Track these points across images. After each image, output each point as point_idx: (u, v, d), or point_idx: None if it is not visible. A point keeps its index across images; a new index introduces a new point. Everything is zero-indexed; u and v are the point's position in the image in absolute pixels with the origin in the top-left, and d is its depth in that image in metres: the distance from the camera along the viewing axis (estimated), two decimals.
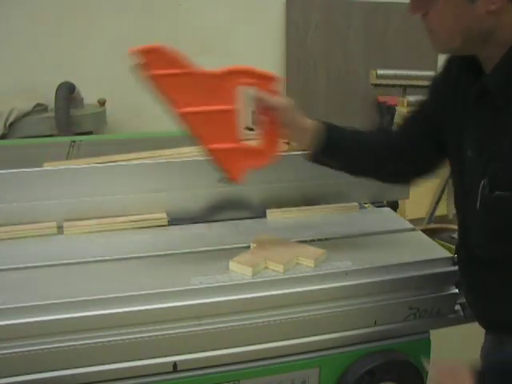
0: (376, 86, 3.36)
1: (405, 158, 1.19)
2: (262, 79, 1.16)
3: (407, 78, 3.33)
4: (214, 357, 1.10)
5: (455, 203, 1.12)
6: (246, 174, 1.15)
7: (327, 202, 1.54)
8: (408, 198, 1.60)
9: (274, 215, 1.46)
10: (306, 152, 1.18)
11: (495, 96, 0.92)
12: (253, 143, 1.18)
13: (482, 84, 0.94)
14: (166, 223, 1.40)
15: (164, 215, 1.40)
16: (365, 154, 1.21)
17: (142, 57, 1.11)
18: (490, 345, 1.12)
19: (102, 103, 3.35)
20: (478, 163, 0.97)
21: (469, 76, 0.99)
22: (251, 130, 1.39)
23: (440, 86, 1.12)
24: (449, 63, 1.10)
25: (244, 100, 1.15)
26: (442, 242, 1.42)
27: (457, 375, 0.92)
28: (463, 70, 1.01)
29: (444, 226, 1.80)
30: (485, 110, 0.95)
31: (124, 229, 1.37)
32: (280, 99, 1.14)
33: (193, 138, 1.12)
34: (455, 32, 0.91)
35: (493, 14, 0.87)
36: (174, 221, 1.41)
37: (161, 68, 1.11)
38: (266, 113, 1.15)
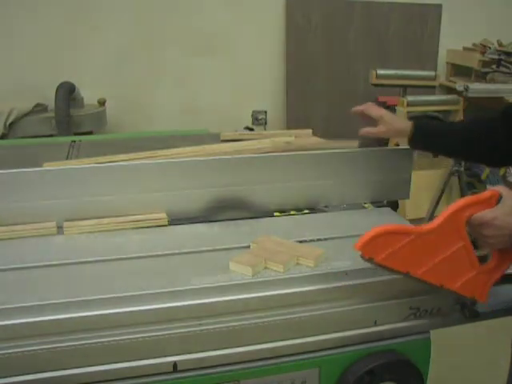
0: (376, 85, 3.37)
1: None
2: (484, 203, 1.11)
3: (407, 77, 3.34)
4: (213, 357, 1.10)
5: None
6: (487, 291, 1.16)
7: (327, 202, 1.54)
8: (408, 198, 1.60)
9: None
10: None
11: None
12: (487, 264, 1.16)
13: None
14: (166, 223, 1.40)
15: (164, 215, 1.40)
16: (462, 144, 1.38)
17: (366, 250, 1.07)
18: None
19: (102, 103, 3.36)
20: None
21: None
22: (251, 129, 1.40)
23: None
24: None
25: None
26: None
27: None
28: None
29: None
30: None
31: (124, 229, 1.37)
32: (376, 128, 1.43)
33: (435, 285, 1.12)
34: None
35: None
36: (174, 221, 1.41)
37: (386, 249, 1.07)
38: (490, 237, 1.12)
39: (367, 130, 1.46)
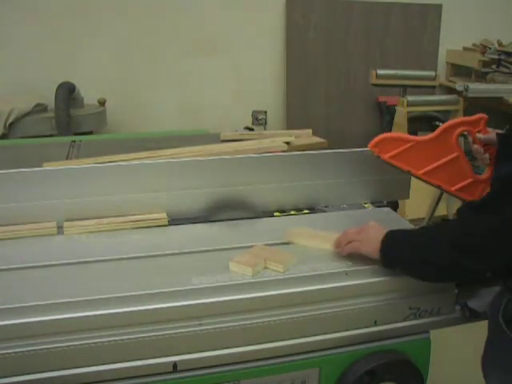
0: (376, 86, 3.37)
1: None
2: (472, 123, 1.35)
3: (407, 77, 3.34)
4: (213, 357, 1.10)
5: None
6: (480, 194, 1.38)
7: (327, 202, 1.54)
8: (408, 198, 1.60)
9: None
10: None
11: None
12: (482, 175, 1.39)
13: None
14: (166, 223, 1.40)
15: (164, 215, 1.40)
16: None
17: (375, 148, 1.35)
18: (495, 297, 1.19)
19: (102, 103, 3.35)
20: None
21: None
22: (251, 129, 1.41)
23: None
24: None
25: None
26: None
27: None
28: None
29: None
30: None
31: (124, 229, 1.37)
32: (493, 136, 1.32)
33: (437, 187, 1.39)
34: None
35: None
36: (174, 221, 1.41)
37: (392, 150, 1.35)
38: (490, 151, 1.34)
39: (485, 134, 1.33)
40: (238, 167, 1.44)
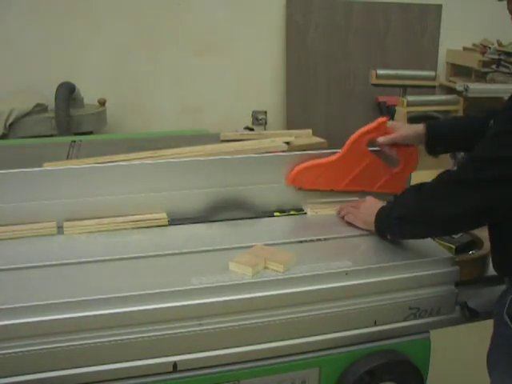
0: (376, 86, 3.36)
1: None
2: (376, 129, 1.44)
3: (407, 77, 3.33)
4: (213, 357, 1.10)
5: None
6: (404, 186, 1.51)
7: (327, 203, 1.53)
8: None
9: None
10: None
11: None
12: (396, 168, 1.51)
13: None
14: (166, 223, 1.40)
15: (164, 215, 1.40)
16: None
17: (294, 184, 1.46)
18: (501, 294, 1.20)
19: (102, 103, 3.35)
20: None
21: None
22: (251, 129, 1.42)
23: None
24: None
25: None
26: (442, 242, 1.42)
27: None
28: None
29: None
30: None
31: (124, 229, 1.37)
32: (398, 133, 1.42)
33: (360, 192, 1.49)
34: None
35: None
36: (174, 221, 1.41)
37: (310, 178, 1.46)
38: (396, 146, 1.46)
39: (386, 136, 1.42)
40: (238, 167, 1.44)
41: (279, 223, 1.43)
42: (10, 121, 2.94)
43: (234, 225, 1.42)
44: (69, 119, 3.03)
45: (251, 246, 1.23)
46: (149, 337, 1.05)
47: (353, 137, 1.44)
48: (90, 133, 3.13)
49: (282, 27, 3.86)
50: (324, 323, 1.15)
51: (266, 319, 1.11)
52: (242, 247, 1.24)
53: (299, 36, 3.88)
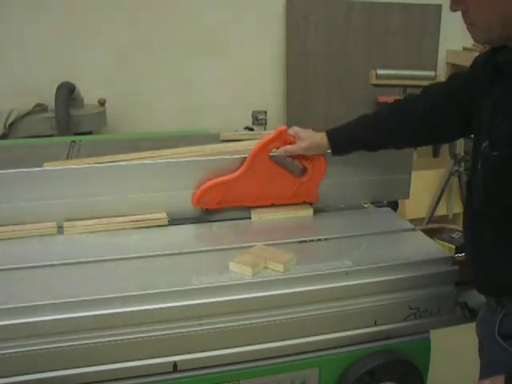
0: (376, 86, 3.36)
1: (433, 130, 1.28)
2: (277, 139, 1.39)
3: (407, 77, 3.33)
4: (213, 357, 1.10)
5: (471, 174, 1.17)
6: (315, 194, 1.49)
7: (328, 202, 1.54)
8: (408, 198, 1.60)
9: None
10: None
11: (504, 71, 1.00)
12: (304, 177, 1.46)
13: (496, 59, 1.02)
14: (166, 223, 1.40)
15: (164, 215, 1.40)
16: (380, 136, 1.35)
17: (199, 205, 1.42)
18: (485, 313, 1.16)
19: (102, 103, 3.35)
20: (485, 129, 1.05)
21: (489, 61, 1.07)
22: (251, 129, 1.42)
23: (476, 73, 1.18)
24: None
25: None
26: (442, 242, 1.42)
27: None
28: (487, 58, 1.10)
29: (444, 226, 1.81)
30: (498, 89, 1.03)
31: (124, 229, 1.37)
32: (299, 146, 1.38)
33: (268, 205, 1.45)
34: (494, 23, 0.97)
35: None
36: (174, 221, 1.41)
37: (216, 197, 1.41)
38: (297, 157, 1.42)
39: (285, 148, 1.39)
40: (238, 167, 1.44)
41: (279, 223, 1.43)
42: (10, 121, 2.94)
43: (234, 225, 1.42)
44: (69, 119, 3.02)
45: (251, 246, 1.23)
46: (149, 337, 1.05)
47: (253, 149, 1.40)
48: (90, 133, 3.13)
49: (282, 27, 3.86)
50: (324, 323, 1.15)
51: (266, 319, 1.11)
52: (242, 247, 1.24)
53: (299, 36, 3.87)
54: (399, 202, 1.64)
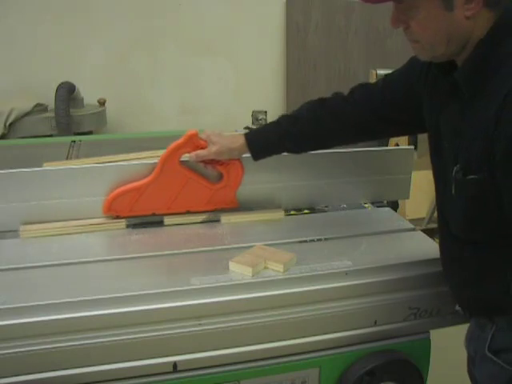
0: None
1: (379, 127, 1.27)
2: (187, 144, 1.34)
3: None
4: (214, 357, 1.10)
5: (436, 192, 1.15)
6: (233, 198, 1.44)
7: (327, 202, 1.54)
8: (408, 198, 1.60)
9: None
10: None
11: (464, 88, 0.97)
12: (219, 183, 1.41)
13: (453, 78, 0.99)
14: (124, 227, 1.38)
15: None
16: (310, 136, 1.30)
17: (110, 213, 1.37)
18: (473, 330, 1.15)
19: (102, 103, 3.35)
20: (450, 152, 1.02)
21: (443, 71, 1.04)
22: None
23: (420, 74, 1.16)
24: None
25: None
26: None
27: None
28: (438, 67, 1.06)
29: None
30: (456, 103, 1.01)
31: (124, 228, 1.37)
32: (210, 150, 1.32)
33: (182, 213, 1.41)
34: (438, 40, 0.96)
35: (469, 19, 0.92)
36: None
37: (128, 204, 1.37)
38: (211, 163, 1.37)
39: (197, 153, 1.33)
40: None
41: (279, 223, 1.43)
42: (10, 121, 2.94)
43: (233, 225, 1.42)
44: (69, 119, 3.02)
45: (251, 246, 1.23)
46: (149, 337, 1.05)
47: (163, 155, 1.35)
48: (90, 133, 3.13)
49: (282, 27, 3.85)
50: (324, 323, 1.15)
51: (266, 319, 1.11)
52: (242, 247, 1.24)
53: (299, 36, 3.87)
54: (399, 201, 1.64)
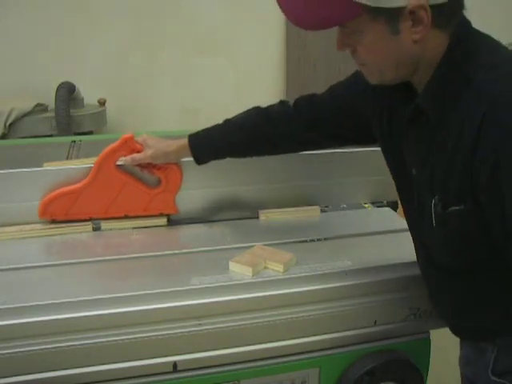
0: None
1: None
2: (121, 148, 1.33)
3: None
4: (213, 357, 1.10)
5: (406, 219, 1.13)
6: (173, 204, 1.41)
7: (327, 203, 1.54)
8: None
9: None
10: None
11: (429, 114, 0.93)
12: (157, 188, 1.39)
13: (416, 104, 0.95)
14: (165, 223, 1.40)
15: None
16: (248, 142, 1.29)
17: (46, 217, 1.34)
18: (468, 353, 1.12)
19: (102, 103, 3.35)
20: (423, 181, 0.98)
21: (401, 96, 1.00)
22: None
23: (365, 93, 1.15)
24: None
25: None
26: None
27: None
28: (394, 91, 1.02)
29: None
30: (421, 129, 0.97)
31: (124, 229, 1.37)
32: (145, 153, 1.31)
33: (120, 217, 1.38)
34: (386, 64, 0.92)
35: (418, 43, 0.88)
36: (174, 221, 1.41)
37: (65, 207, 1.34)
38: (147, 167, 1.35)
39: (132, 157, 1.31)
40: (238, 167, 1.44)
41: (279, 223, 1.43)
42: (10, 121, 2.94)
43: (234, 225, 1.42)
44: (69, 119, 3.02)
45: (251, 246, 1.23)
46: (149, 337, 1.05)
47: (98, 158, 1.33)
48: (90, 133, 3.13)
49: (282, 27, 3.86)
50: (324, 323, 1.15)
51: (265, 319, 1.11)
52: (242, 247, 1.24)
53: (299, 36, 3.87)
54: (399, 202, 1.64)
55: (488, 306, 1.01)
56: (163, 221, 1.40)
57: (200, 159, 1.30)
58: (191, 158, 1.30)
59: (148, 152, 1.31)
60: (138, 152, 1.32)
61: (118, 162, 1.35)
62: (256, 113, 1.29)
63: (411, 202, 1.05)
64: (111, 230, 1.36)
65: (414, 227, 1.11)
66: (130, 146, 1.33)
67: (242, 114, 1.31)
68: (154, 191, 1.38)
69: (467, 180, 0.88)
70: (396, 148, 1.06)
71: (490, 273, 0.98)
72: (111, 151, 1.33)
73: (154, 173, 1.36)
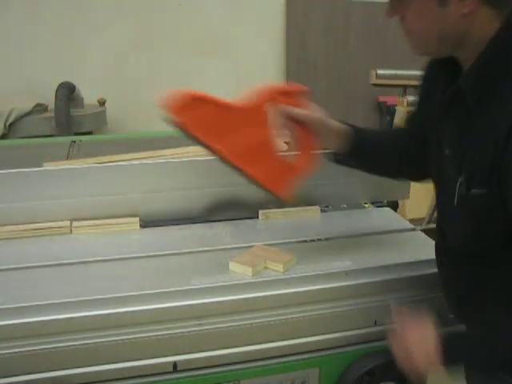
0: (376, 86, 3.36)
1: (413, 158, 1.19)
2: (287, 94, 1.13)
3: (407, 77, 3.33)
4: (213, 357, 1.10)
5: (436, 201, 1.12)
6: (290, 189, 1.15)
7: (327, 203, 1.54)
8: (408, 198, 1.60)
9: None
10: (328, 152, 1.20)
11: (467, 96, 0.93)
12: (291, 158, 1.16)
13: (457, 85, 0.95)
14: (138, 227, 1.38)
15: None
16: (386, 157, 1.23)
17: (172, 110, 1.13)
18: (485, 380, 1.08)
19: (102, 103, 3.35)
20: (454, 161, 0.99)
21: (447, 75, 1.01)
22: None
23: (425, 86, 1.14)
24: (430, 63, 1.11)
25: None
26: None
27: (422, 329, 1.00)
28: (443, 69, 1.03)
29: None
30: (460, 110, 0.97)
31: (124, 229, 1.37)
32: (306, 112, 1.13)
33: (235, 169, 1.12)
34: (431, 35, 0.93)
35: (466, 17, 0.88)
36: (175, 221, 1.41)
37: (196, 113, 1.10)
38: (296, 127, 1.13)
39: (293, 108, 1.12)
40: None
41: (279, 223, 1.43)
42: (10, 121, 2.94)
43: (234, 225, 1.42)
44: (69, 119, 3.03)
45: (251, 246, 1.23)
46: (149, 337, 1.05)
47: (266, 91, 1.13)
48: (90, 133, 3.13)
49: (282, 27, 3.86)
50: (324, 323, 1.15)
51: (265, 319, 1.11)
52: (242, 247, 1.24)
53: (299, 36, 3.88)
54: (399, 201, 1.64)
55: (494, 295, 1.01)
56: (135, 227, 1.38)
57: (350, 153, 1.17)
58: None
59: (315, 114, 1.13)
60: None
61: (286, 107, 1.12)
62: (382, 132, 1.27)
63: (441, 182, 1.06)
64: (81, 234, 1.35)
65: (439, 207, 1.11)
66: (296, 97, 1.13)
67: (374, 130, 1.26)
68: (282, 160, 1.15)
69: (494, 169, 0.89)
70: (435, 127, 1.06)
71: (500, 262, 0.97)
72: (280, 91, 1.14)
73: (296, 141, 1.15)
